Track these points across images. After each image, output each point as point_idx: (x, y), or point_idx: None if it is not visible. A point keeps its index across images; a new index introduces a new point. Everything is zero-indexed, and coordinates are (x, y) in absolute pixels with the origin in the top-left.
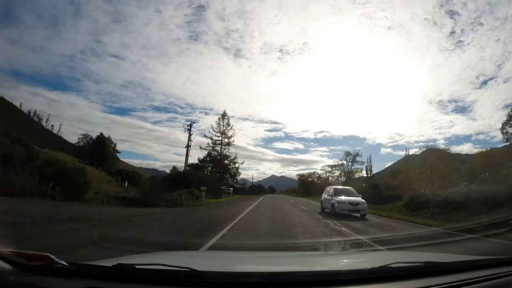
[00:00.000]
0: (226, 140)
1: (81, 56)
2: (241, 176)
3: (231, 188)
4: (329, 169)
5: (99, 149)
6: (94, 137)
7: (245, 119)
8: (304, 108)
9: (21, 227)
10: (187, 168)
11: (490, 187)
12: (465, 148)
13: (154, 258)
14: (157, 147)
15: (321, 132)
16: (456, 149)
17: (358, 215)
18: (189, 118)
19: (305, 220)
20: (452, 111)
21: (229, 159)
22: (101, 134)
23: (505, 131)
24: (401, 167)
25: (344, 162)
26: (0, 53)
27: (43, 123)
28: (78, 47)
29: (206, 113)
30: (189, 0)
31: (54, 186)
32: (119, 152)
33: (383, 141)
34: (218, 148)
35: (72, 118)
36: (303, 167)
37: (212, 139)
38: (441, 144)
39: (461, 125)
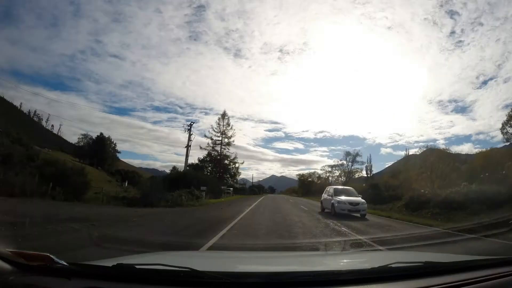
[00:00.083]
0: (226, 140)
1: (81, 56)
2: (241, 176)
3: (231, 188)
4: (329, 169)
5: (99, 149)
6: (94, 137)
7: (245, 119)
8: (304, 108)
9: (21, 227)
10: (187, 168)
11: (490, 187)
12: (465, 148)
13: (154, 258)
14: (157, 147)
15: (321, 132)
16: (456, 149)
17: (358, 215)
18: (189, 118)
19: (305, 220)
20: (452, 111)
21: (229, 159)
22: (101, 134)
23: (505, 131)
24: (401, 167)
25: (344, 162)
26: (0, 53)
27: (43, 123)
28: (78, 47)
29: (206, 113)
30: (189, 0)
31: (54, 186)
32: (119, 152)
33: (383, 141)
34: (218, 148)
35: (72, 118)
36: (303, 167)
37: (212, 139)
38: (441, 144)
39: (461, 125)
